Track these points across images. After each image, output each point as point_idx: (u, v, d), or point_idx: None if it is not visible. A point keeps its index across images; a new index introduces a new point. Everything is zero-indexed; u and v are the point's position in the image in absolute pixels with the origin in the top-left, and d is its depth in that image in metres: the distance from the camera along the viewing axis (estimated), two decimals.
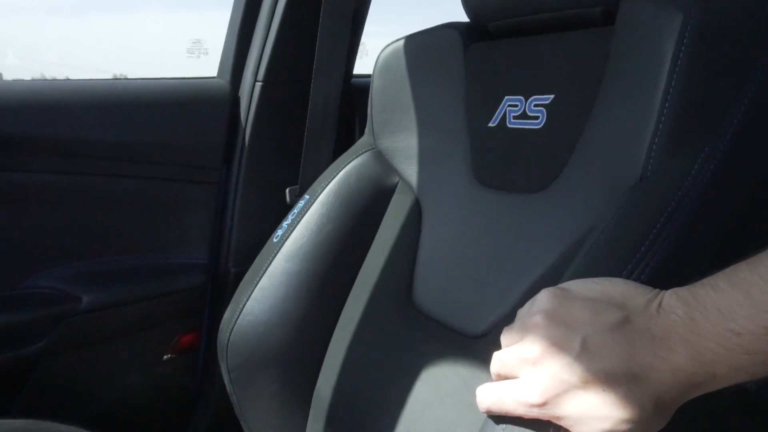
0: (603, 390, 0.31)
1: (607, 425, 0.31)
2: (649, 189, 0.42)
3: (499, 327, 0.52)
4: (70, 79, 0.88)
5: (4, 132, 0.78)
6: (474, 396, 0.50)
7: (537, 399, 0.32)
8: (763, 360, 0.28)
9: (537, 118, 0.56)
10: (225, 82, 0.98)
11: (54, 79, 0.87)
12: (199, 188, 0.95)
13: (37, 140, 0.80)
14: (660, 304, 0.32)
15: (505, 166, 0.59)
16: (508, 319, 0.51)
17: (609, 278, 0.35)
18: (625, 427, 0.31)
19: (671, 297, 0.32)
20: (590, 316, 0.32)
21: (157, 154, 0.90)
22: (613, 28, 0.51)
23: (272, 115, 0.97)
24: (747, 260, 0.30)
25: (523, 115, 0.57)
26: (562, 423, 0.32)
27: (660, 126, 0.43)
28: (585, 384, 0.31)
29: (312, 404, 0.67)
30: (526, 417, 0.33)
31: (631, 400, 0.30)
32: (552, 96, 0.55)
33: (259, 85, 0.96)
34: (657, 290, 0.33)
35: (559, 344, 0.32)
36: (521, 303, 0.50)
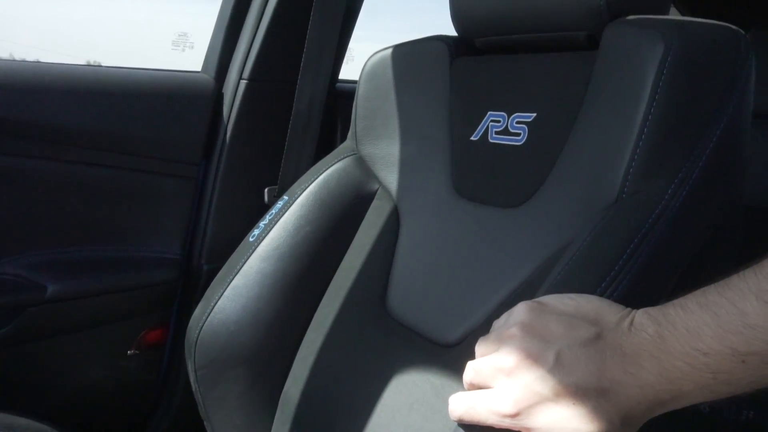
0: (573, 403, 0.31)
1: None
2: (625, 210, 0.44)
3: (471, 337, 0.53)
4: (50, 63, 0.86)
5: None
6: (444, 404, 0.50)
7: (510, 409, 0.33)
8: (726, 379, 0.29)
9: (519, 134, 0.57)
10: (209, 78, 0.97)
11: (33, 61, 0.85)
12: (177, 182, 0.94)
13: (11, 122, 0.78)
14: (632, 322, 0.33)
15: (485, 179, 0.60)
16: (480, 329, 0.52)
17: (584, 295, 0.36)
18: None
19: (642, 316, 0.33)
20: (565, 330, 0.33)
21: (136, 145, 0.89)
22: (596, 52, 0.52)
23: (255, 114, 0.97)
24: (716, 284, 0.31)
25: (505, 131, 0.58)
26: None
27: (638, 150, 0.45)
28: (557, 396, 0.32)
29: (279, 406, 0.66)
30: (497, 427, 0.34)
31: (599, 414, 0.31)
32: (534, 114, 0.56)
33: (244, 82, 0.95)
34: (629, 309, 0.34)
35: (534, 356, 0.33)
36: (495, 314, 0.51)
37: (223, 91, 0.97)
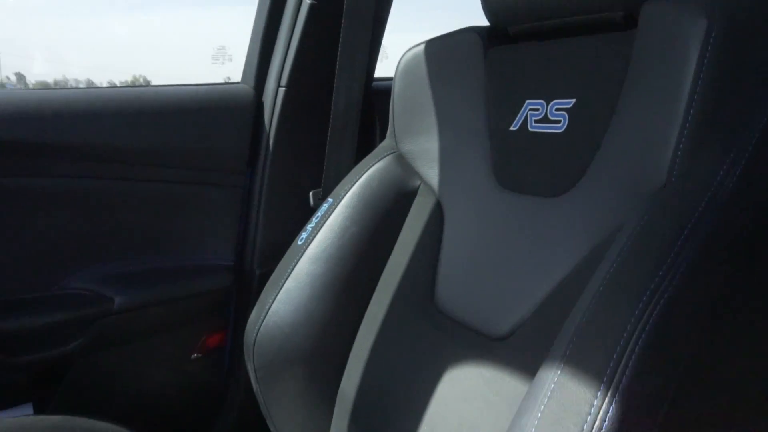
0: None
1: None
2: (676, 193, 0.43)
3: (521, 329, 0.53)
4: (100, 87, 0.91)
5: (39, 140, 0.81)
6: (496, 396, 0.50)
7: None
8: None
9: (559, 122, 0.56)
10: (249, 88, 1.00)
11: (85, 88, 0.90)
12: (225, 191, 0.98)
13: (70, 147, 0.83)
14: None
15: (526, 169, 0.59)
16: (530, 321, 0.52)
17: None
18: None
19: None
20: None
21: (184, 159, 0.93)
22: (634, 32, 0.51)
23: (295, 119, 0.99)
24: None
25: (545, 119, 0.58)
26: None
27: (685, 130, 0.43)
28: None
29: (336, 402, 0.68)
30: None
31: None
32: (573, 100, 0.55)
33: (282, 90, 0.97)
34: None
35: None
36: (542, 306, 0.51)
37: (263, 99, 1.00)
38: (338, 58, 0.90)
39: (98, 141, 0.85)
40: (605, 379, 0.34)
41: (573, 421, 0.34)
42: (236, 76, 1.05)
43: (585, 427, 0.33)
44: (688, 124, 0.43)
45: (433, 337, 0.61)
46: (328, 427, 0.69)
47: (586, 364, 0.36)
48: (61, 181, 0.84)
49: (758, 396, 0.45)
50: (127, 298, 0.87)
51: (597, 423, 0.33)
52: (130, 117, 0.88)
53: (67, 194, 0.85)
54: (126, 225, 0.90)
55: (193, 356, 0.98)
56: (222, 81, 1.05)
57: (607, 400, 0.33)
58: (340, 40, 0.90)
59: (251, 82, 1.00)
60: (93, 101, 0.86)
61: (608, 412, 0.33)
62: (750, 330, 0.40)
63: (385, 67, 1.14)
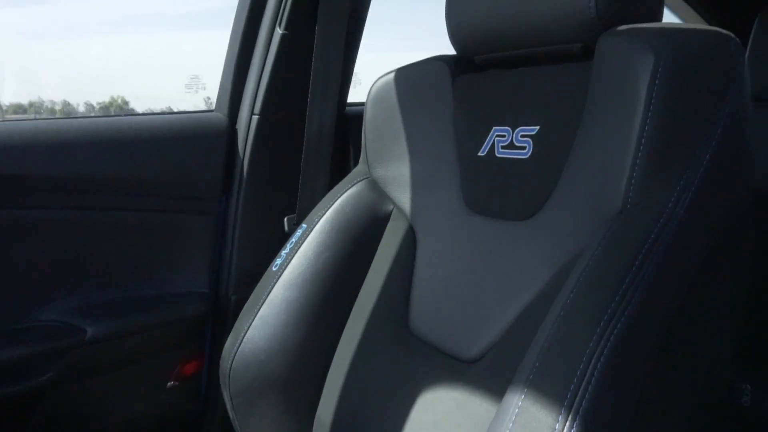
0: None
1: None
2: (630, 220, 0.45)
3: (491, 352, 0.54)
4: (71, 117, 0.91)
5: (9, 170, 0.80)
6: (468, 419, 0.51)
7: None
8: None
9: (524, 148, 0.58)
10: (223, 116, 1.01)
11: (56, 118, 0.89)
12: (199, 218, 0.97)
13: (40, 178, 0.83)
14: None
15: (495, 194, 0.61)
16: (499, 344, 0.53)
17: None
18: None
19: None
20: None
21: (158, 187, 0.93)
22: (591, 63, 0.53)
23: (269, 146, 1.00)
24: None
25: (511, 146, 0.60)
26: None
27: (637, 160, 0.45)
28: None
29: (313, 429, 0.68)
30: None
31: None
32: (537, 127, 0.57)
33: (255, 117, 0.98)
34: None
35: None
36: (511, 329, 0.53)
37: (237, 127, 1.00)
38: (311, 86, 0.92)
39: (71, 171, 0.85)
40: (566, 402, 0.35)
41: None
42: (214, 97, 1.05)
43: None
44: (640, 154, 0.45)
45: (407, 361, 0.61)
46: None
47: (548, 388, 0.37)
48: (33, 212, 0.83)
49: (714, 405, 0.47)
50: (100, 328, 0.86)
51: None
52: (104, 146, 0.87)
53: (40, 225, 0.84)
54: (100, 254, 0.89)
55: (169, 384, 0.97)
56: (201, 105, 1.05)
57: (568, 424, 0.34)
58: (312, 68, 0.91)
59: (225, 110, 1.01)
60: (66, 131, 0.85)
61: None
62: (705, 346, 0.42)
63: (358, 93, 1.16)
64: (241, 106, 1.00)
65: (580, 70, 0.55)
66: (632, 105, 0.46)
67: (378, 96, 0.75)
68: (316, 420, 0.68)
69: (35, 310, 0.85)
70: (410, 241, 0.69)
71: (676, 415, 0.43)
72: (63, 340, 0.83)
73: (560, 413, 0.35)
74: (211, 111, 1.03)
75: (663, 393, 0.40)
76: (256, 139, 0.98)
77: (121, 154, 0.88)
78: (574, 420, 0.35)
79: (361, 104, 0.80)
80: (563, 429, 0.34)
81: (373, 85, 0.77)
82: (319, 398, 0.68)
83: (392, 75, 0.74)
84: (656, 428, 0.37)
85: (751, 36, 1.16)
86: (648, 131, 0.45)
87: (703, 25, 0.49)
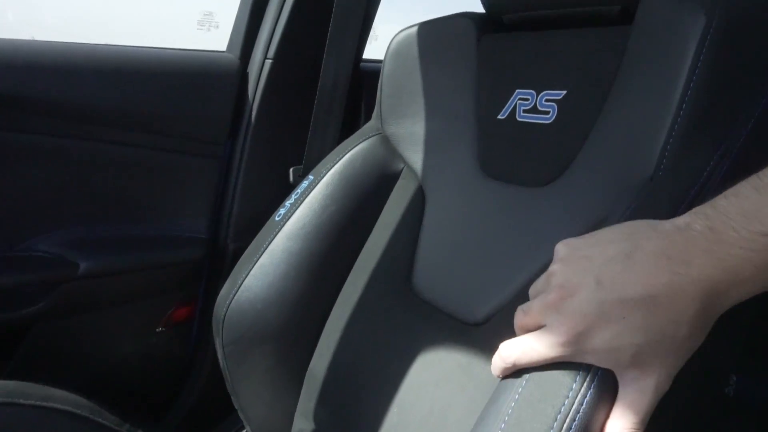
0: (623, 317, 0.32)
1: (634, 350, 0.32)
2: (661, 188, 0.43)
3: (497, 316, 0.52)
4: (78, 42, 0.87)
5: (9, 91, 0.77)
6: (470, 381, 0.50)
7: (565, 337, 0.34)
8: None
9: (548, 113, 0.56)
10: (234, 57, 0.97)
11: (60, 42, 0.86)
12: (203, 161, 0.95)
13: (40, 100, 0.80)
14: (675, 225, 0.33)
15: (512, 158, 0.59)
16: (507, 308, 0.52)
17: (622, 223, 0.37)
18: (652, 349, 0.32)
19: (688, 216, 0.33)
20: (600, 253, 0.34)
21: (163, 124, 0.90)
22: (629, 27, 0.51)
23: (280, 93, 0.97)
24: None
25: (534, 110, 0.57)
26: (593, 359, 0.34)
27: (676, 125, 0.44)
28: (605, 315, 0.32)
29: (305, 382, 0.68)
30: (557, 359, 0.35)
31: (652, 322, 0.32)
32: (564, 92, 0.55)
33: (269, 62, 0.95)
34: (672, 219, 0.34)
35: (575, 284, 0.34)
36: (521, 293, 0.51)
37: (248, 70, 0.97)
38: (329, 35, 0.88)
39: (73, 97, 0.82)
40: (583, 365, 0.34)
41: (551, 403, 0.34)
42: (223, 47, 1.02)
43: (563, 409, 0.33)
44: (679, 119, 0.43)
45: (408, 320, 0.60)
46: (295, 407, 0.68)
47: None
48: (32, 137, 0.81)
49: (711, 397, 0.46)
50: (93, 263, 0.84)
51: (575, 405, 0.33)
52: (109, 75, 0.84)
53: (38, 151, 0.82)
54: (97, 189, 0.87)
55: (158, 329, 0.96)
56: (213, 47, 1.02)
57: (586, 384, 0.34)
58: (332, 16, 0.88)
59: (237, 51, 0.97)
60: (71, 56, 0.82)
61: (586, 396, 0.33)
62: (720, 331, 0.40)
63: (374, 49, 1.13)
64: (255, 49, 0.97)
65: (615, 34, 0.53)
66: (677, 67, 0.44)
67: (398, 50, 0.72)
68: (308, 373, 0.67)
69: (29, 240, 0.83)
70: (419, 201, 0.67)
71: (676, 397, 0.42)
72: (55, 272, 0.82)
73: (577, 374, 0.34)
74: (223, 52, 1.00)
75: None
76: (268, 84, 0.95)
77: (125, 85, 0.85)
78: (592, 381, 0.34)
79: (376, 61, 0.77)
80: (579, 389, 0.34)
81: (393, 38, 0.74)
82: (313, 352, 0.68)
83: (415, 29, 0.71)
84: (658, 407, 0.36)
85: None
86: (691, 96, 0.43)
87: None
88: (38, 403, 0.66)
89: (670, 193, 0.41)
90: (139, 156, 0.89)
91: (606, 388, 0.34)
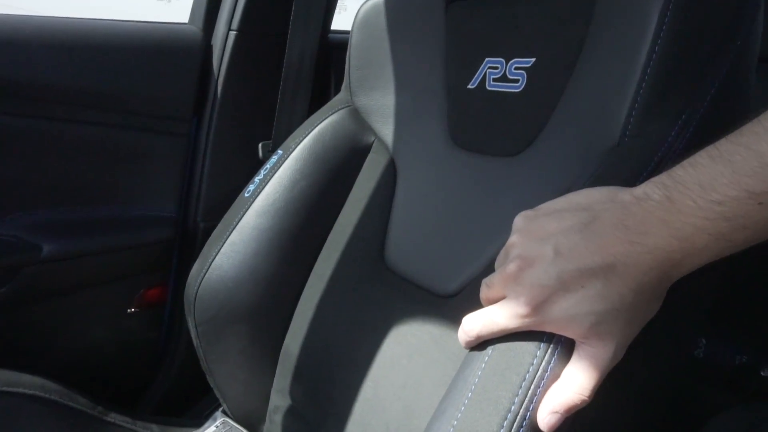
0: (582, 287, 0.32)
1: (593, 319, 0.32)
2: (626, 153, 0.43)
3: (470, 287, 0.52)
4: (28, 15, 0.82)
5: None
6: (443, 353, 0.50)
7: (525, 308, 0.34)
8: (743, 224, 0.29)
9: (517, 81, 0.55)
10: (197, 29, 0.94)
11: (8, 14, 0.81)
12: (168, 139, 0.92)
13: None
14: (633, 195, 0.33)
15: (483, 128, 0.58)
16: (478, 278, 0.52)
17: (580, 190, 0.37)
18: (610, 317, 0.32)
19: (646, 185, 0.33)
20: (558, 224, 0.35)
21: (124, 102, 0.87)
22: None
23: (246, 66, 0.94)
24: (727, 136, 0.31)
25: (503, 78, 0.57)
26: (553, 329, 0.34)
27: (641, 90, 0.43)
28: (564, 285, 0.33)
29: (279, 360, 0.67)
30: (518, 329, 0.35)
31: (610, 291, 0.32)
32: (533, 59, 0.54)
33: (233, 34, 0.92)
34: (627, 188, 0.34)
35: (533, 255, 0.34)
36: (491, 265, 0.51)
37: (212, 43, 0.94)
38: (294, 3, 0.86)
39: (24, 74, 0.78)
40: (546, 333, 0.35)
41: (515, 371, 0.34)
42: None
43: (527, 376, 0.34)
44: (644, 84, 0.43)
45: (381, 294, 0.60)
46: (271, 384, 0.68)
47: None
48: None
49: (680, 359, 0.47)
50: (57, 246, 0.82)
51: (539, 372, 0.34)
52: (62, 50, 0.80)
53: None
54: (59, 170, 0.84)
55: (129, 311, 0.94)
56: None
57: (549, 352, 0.34)
58: None
59: (200, 23, 0.94)
60: (20, 28, 0.78)
61: (550, 363, 0.34)
62: (686, 291, 0.41)
63: (342, 20, 1.10)
64: (218, 20, 0.93)
65: (583, 1, 0.52)
66: (641, 32, 0.44)
67: (365, 20, 0.70)
68: (283, 350, 0.67)
69: None
70: (391, 174, 0.67)
71: (646, 363, 0.43)
72: (15, 256, 0.79)
73: (541, 342, 0.35)
74: (184, 24, 0.96)
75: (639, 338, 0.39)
76: (233, 57, 0.92)
77: (80, 60, 0.81)
78: (555, 349, 0.34)
79: (345, 32, 0.75)
80: (544, 356, 0.34)
81: (360, 7, 0.72)
82: (287, 330, 0.67)
83: None
84: (624, 373, 0.36)
85: None
86: (655, 60, 0.43)
87: None
88: (3, 388, 0.65)
89: (634, 159, 0.41)
90: (100, 135, 0.86)
91: (568, 355, 0.34)
